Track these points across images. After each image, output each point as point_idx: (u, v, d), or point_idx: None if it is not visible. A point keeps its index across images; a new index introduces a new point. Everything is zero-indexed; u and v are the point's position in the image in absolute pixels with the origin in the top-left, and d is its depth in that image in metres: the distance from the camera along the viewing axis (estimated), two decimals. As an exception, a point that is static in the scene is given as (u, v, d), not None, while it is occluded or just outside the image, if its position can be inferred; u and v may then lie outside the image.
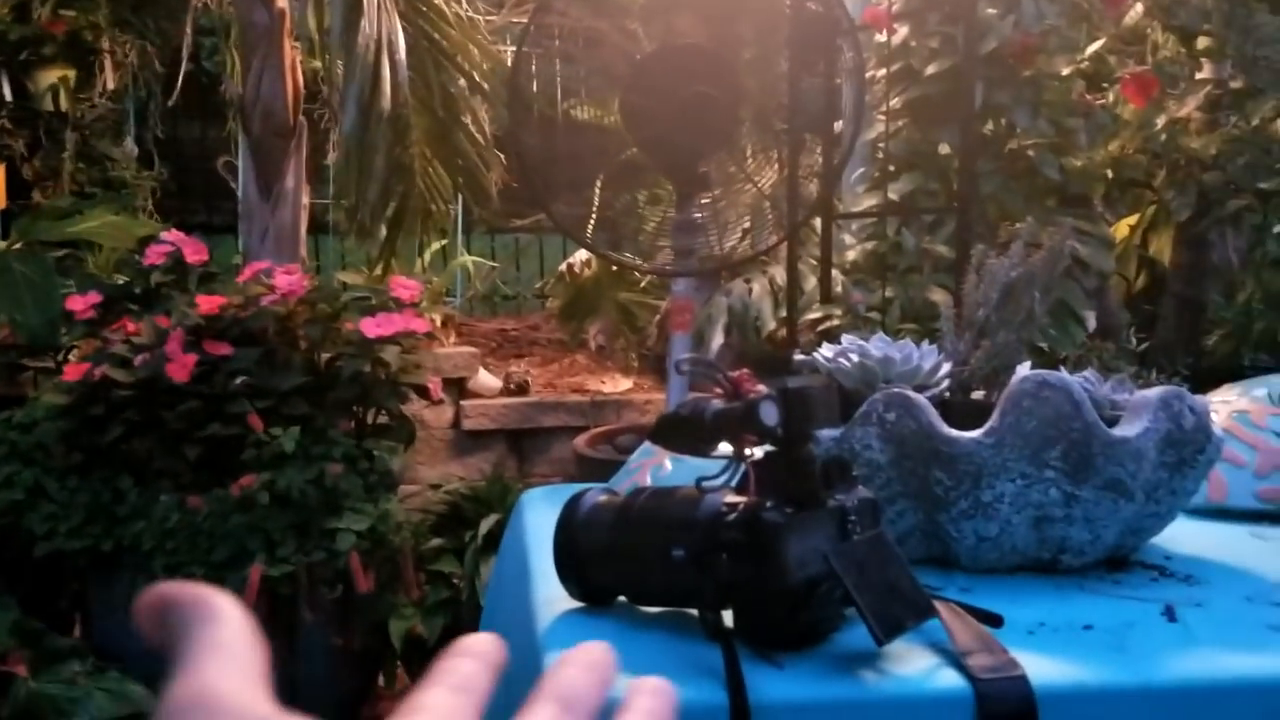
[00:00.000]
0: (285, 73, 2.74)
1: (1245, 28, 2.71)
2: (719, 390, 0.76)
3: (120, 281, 2.79)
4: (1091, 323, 2.93)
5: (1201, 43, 2.99)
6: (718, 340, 2.87)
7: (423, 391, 2.64)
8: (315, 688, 2.42)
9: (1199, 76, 3.02)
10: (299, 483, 2.36)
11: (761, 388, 0.77)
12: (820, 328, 2.70)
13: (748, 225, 2.92)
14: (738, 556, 0.77)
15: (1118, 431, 0.95)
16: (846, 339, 1.10)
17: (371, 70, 2.33)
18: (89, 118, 4.77)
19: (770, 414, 0.73)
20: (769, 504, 0.77)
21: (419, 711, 0.32)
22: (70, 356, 2.73)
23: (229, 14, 3.18)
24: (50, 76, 4.72)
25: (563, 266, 3.88)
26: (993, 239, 2.86)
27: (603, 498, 0.90)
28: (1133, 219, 3.72)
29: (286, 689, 2.08)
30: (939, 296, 2.53)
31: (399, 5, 2.45)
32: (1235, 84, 2.80)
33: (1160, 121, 2.83)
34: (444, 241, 4.18)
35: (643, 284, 3.66)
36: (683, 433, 0.77)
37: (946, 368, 1.08)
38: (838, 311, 2.64)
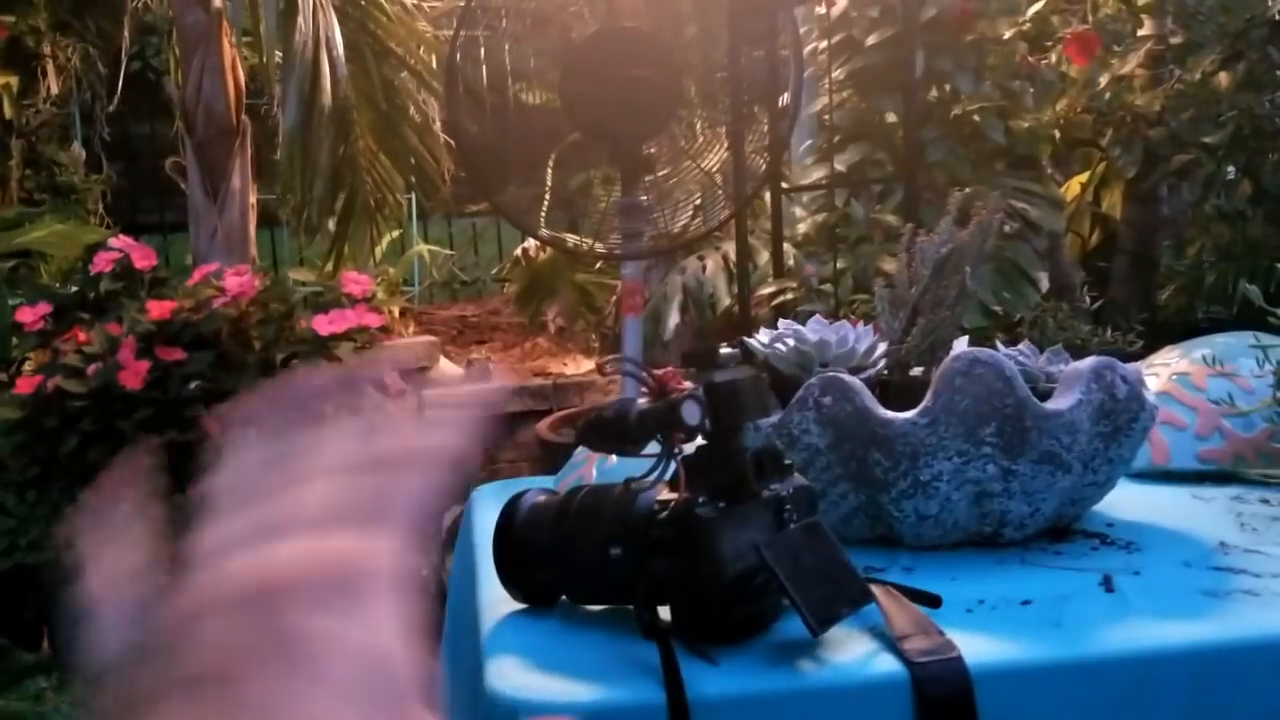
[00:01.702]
0: (225, 72, 2.71)
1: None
2: (644, 389, 0.76)
3: (70, 290, 2.75)
4: (1044, 283, 2.95)
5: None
6: (674, 319, 2.87)
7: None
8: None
9: (1141, 33, 3.03)
10: (260, 486, 2.35)
11: (687, 385, 0.77)
12: (774, 302, 2.70)
13: (699, 202, 2.92)
14: (671, 553, 0.77)
15: (1051, 405, 0.96)
16: (785, 323, 1.10)
17: (310, 67, 2.30)
18: (34, 124, 4.71)
19: (693, 413, 0.73)
20: (701, 499, 0.77)
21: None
22: (23, 369, 2.71)
23: (169, 13, 3.13)
24: (-9, 82, 4.65)
25: (518, 251, 3.87)
26: (943, 205, 2.87)
27: (541, 498, 0.90)
28: (1083, 177, 3.74)
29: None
30: (891, 266, 2.53)
31: (335, 1, 2.41)
32: (1175, 39, 2.81)
33: (1104, 80, 2.84)
34: (398, 231, 4.16)
35: (599, 265, 3.65)
36: (609, 434, 0.77)
37: (882, 348, 1.08)
38: (791, 285, 2.65)
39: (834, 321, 1.17)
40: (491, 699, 0.74)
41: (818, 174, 2.76)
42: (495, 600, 0.91)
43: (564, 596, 0.89)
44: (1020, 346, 1.09)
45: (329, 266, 2.94)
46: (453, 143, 3.09)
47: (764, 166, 2.66)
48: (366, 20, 2.52)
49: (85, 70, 4.71)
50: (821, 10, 2.66)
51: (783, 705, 0.74)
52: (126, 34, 2.90)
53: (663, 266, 3.31)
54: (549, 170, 2.64)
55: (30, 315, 2.60)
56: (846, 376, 0.98)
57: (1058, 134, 3.16)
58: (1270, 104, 2.72)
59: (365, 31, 2.53)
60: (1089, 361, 0.99)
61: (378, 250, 4.22)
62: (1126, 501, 1.13)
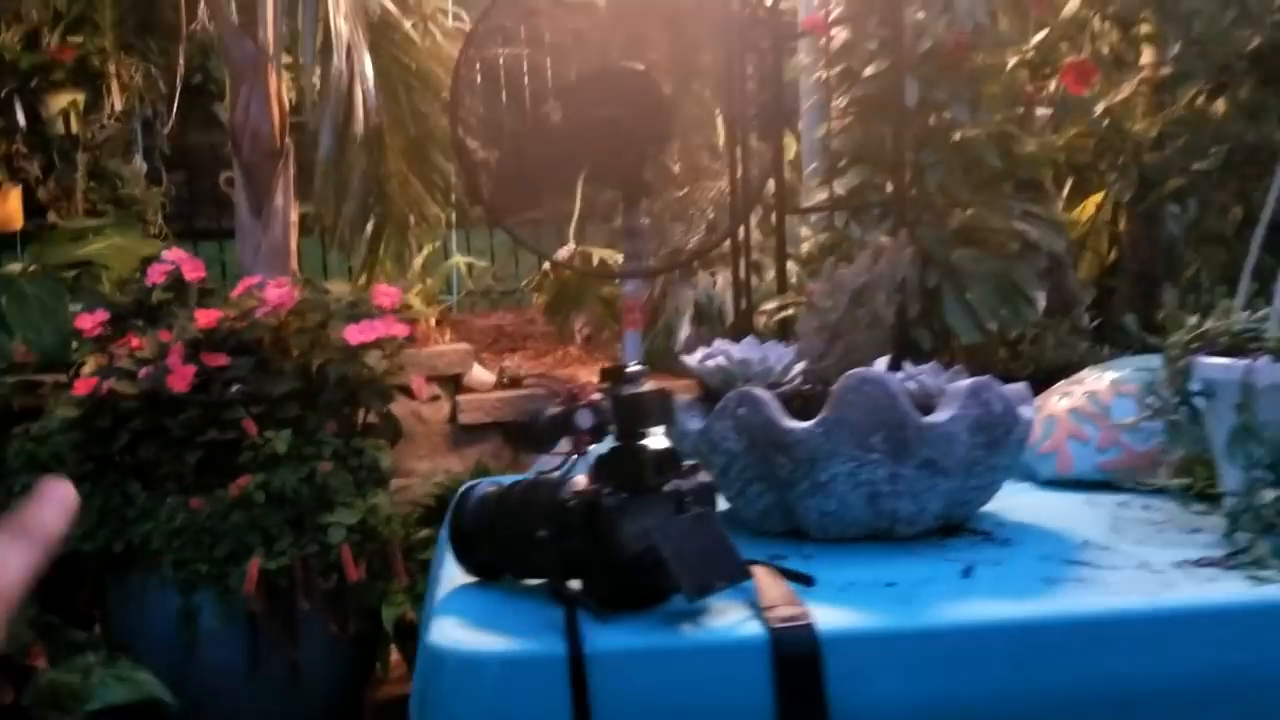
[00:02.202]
0: (271, 99, 2.92)
1: (1175, 14, 2.83)
2: (558, 398, 0.93)
3: (126, 299, 2.98)
4: (1042, 302, 3.07)
5: (1144, 28, 3.11)
6: (685, 331, 3.03)
7: (407, 391, 2.82)
8: (315, 671, 2.60)
9: (1142, 62, 3.15)
10: (292, 481, 2.55)
11: (596, 396, 0.94)
12: (778, 316, 2.86)
13: (712, 218, 3.09)
14: (580, 534, 0.94)
15: (929, 418, 1.11)
16: (718, 343, 1.27)
17: (345, 98, 2.50)
18: (99, 138, 4.98)
19: (585, 418, 0.90)
20: (607, 490, 0.94)
21: None
22: (81, 371, 2.93)
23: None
24: (61, 101, 4.94)
25: (547, 264, 4.06)
26: (942, 226, 3.01)
27: (491, 489, 1.07)
28: (1098, 197, 3.85)
29: (288, 672, 2.30)
30: (885, 285, 2.68)
31: (369, 35, 2.61)
32: (1165, 69, 2.92)
33: (1100, 107, 2.96)
34: (437, 243, 4.37)
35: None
36: (526, 436, 0.94)
37: (800, 366, 1.24)
38: (795, 300, 2.80)
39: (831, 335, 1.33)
40: (428, 648, 0.92)
41: (821, 196, 2.91)
42: (454, 575, 1.08)
43: (508, 574, 1.06)
44: (924, 367, 1.25)
45: (363, 279, 3.14)
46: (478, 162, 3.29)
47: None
48: (399, 53, 2.72)
49: (147, 88, 4.97)
50: (826, 41, 2.82)
51: (662, 658, 0.90)
52: (182, 59, 3.12)
53: (680, 281, 3.48)
54: (579, 187, 2.81)
55: (89, 322, 2.82)
56: (758, 391, 1.14)
57: (1062, 158, 3.27)
58: (1260, 133, 2.83)
59: (397, 63, 2.73)
60: (968, 381, 1.14)
61: (417, 261, 4.44)
62: (1024, 505, 1.28)
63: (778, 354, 1.23)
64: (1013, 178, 3.14)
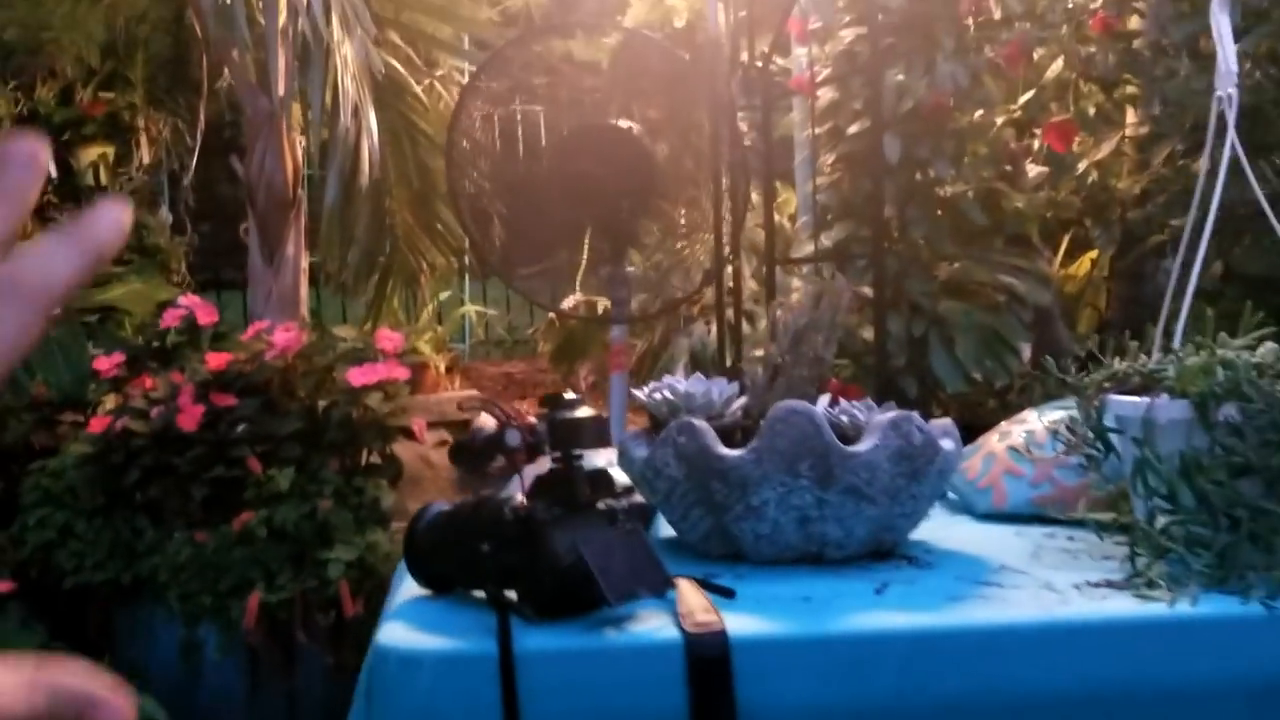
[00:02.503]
0: (284, 152, 3.06)
1: (1153, 77, 2.93)
2: (499, 419, 1.02)
3: (142, 343, 3.11)
4: (1026, 353, 3.14)
5: (1128, 89, 3.21)
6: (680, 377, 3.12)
7: (409, 433, 2.92)
8: (312, 701, 2.69)
9: (1129, 121, 3.25)
10: (294, 518, 2.64)
11: (532, 419, 1.03)
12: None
13: (708, 269, 3.19)
14: (517, 547, 1.03)
15: (852, 447, 1.20)
16: (667, 378, 1.36)
17: (351, 152, 2.63)
18: (127, 190, 5.17)
19: (514, 438, 1.00)
20: (542, 506, 1.03)
21: None
22: (98, 410, 3.05)
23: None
24: (91, 154, 5.14)
25: (551, 314, 4.17)
26: (929, 279, 3.10)
27: (445, 507, 1.17)
28: (1094, 253, 3.93)
29: (286, 703, 2.40)
30: (868, 334, 2.76)
31: (376, 93, 2.75)
32: (1143, 129, 3.02)
33: (1082, 165, 3.06)
34: (448, 292, 4.50)
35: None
36: (465, 455, 1.03)
37: (741, 400, 1.33)
38: (783, 350, 2.88)
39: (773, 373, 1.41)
40: (374, 647, 1.00)
41: (810, 248, 3.01)
42: (409, 587, 1.17)
43: (458, 586, 1.15)
44: (856, 403, 1.33)
45: (368, 325, 3.26)
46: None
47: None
48: (405, 110, 2.86)
49: (174, 142, 5.17)
50: (813, 100, 2.93)
51: (585, 659, 0.98)
52: (203, 114, 3.28)
53: (677, 330, 3.58)
54: (586, 238, 2.92)
55: (106, 364, 2.95)
56: (696, 421, 1.23)
57: (1049, 214, 3.37)
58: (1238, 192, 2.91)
59: (403, 119, 2.86)
60: (890, 414, 1.22)
61: (427, 309, 4.57)
62: (957, 536, 1.36)
63: (721, 389, 1.32)
64: (1001, 233, 3.23)
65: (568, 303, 4.36)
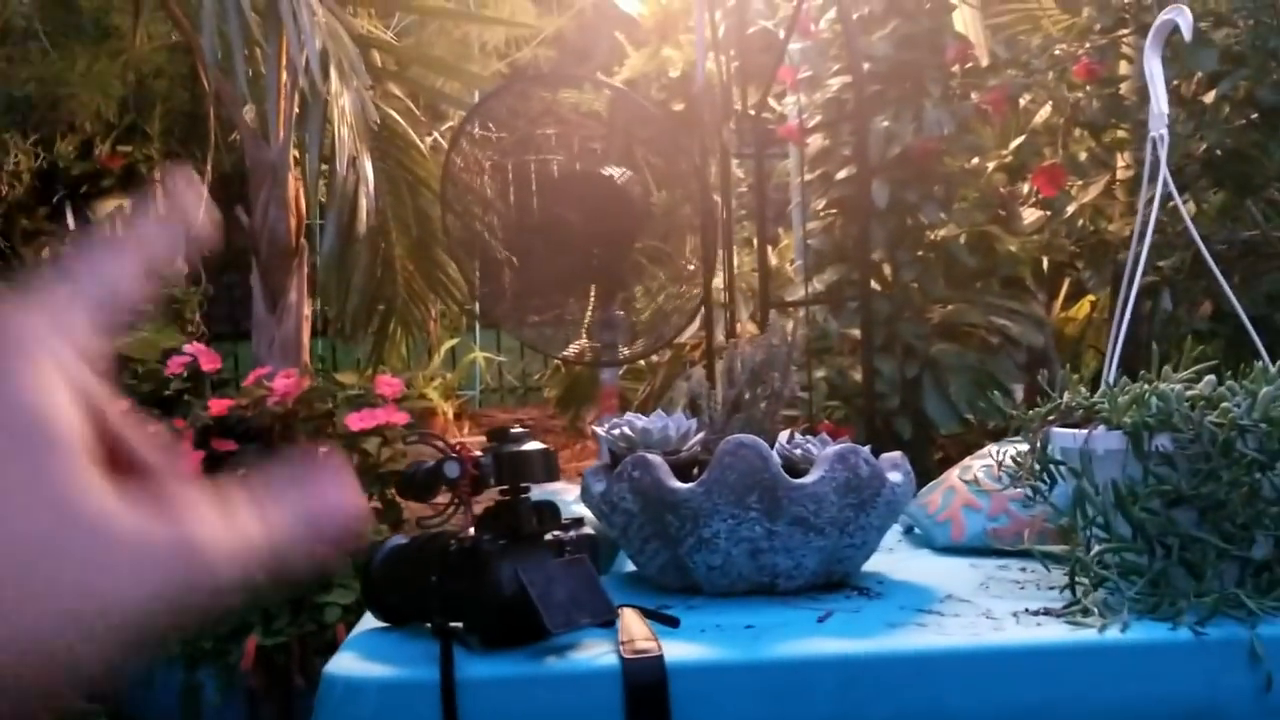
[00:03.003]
0: (288, 202, 3.14)
1: (1140, 121, 2.97)
2: (441, 453, 1.06)
3: (146, 390, 3.17)
4: (1019, 394, 3.16)
5: (1119, 134, 3.25)
6: (675, 422, 3.15)
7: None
8: (308, 745, 2.71)
9: (1119, 165, 3.28)
10: (291, 561, 2.68)
11: (478, 453, 1.07)
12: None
13: (703, 313, 3.23)
14: (462, 577, 1.06)
15: (799, 480, 1.23)
16: (628, 415, 1.39)
17: (350, 201, 2.69)
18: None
19: (453, 470, 1.03)
20: (487, 538, 1.07)
21: None
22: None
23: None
24: (109, 205, 5.25)
25: (557, 359, 4.23)
26: (922, 321, 3.13)
27: (401, 541, 1.20)
28: (1094, 296, 3.95)
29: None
30: (858, 375, 2.79)
31: (375, 143, 2.82)
32: (1130, 172, 3.05)
33: (1071, 208, 3.09)
34: (457, 339, 4.56)
35: (623, 370, 3.96)
36: (409, 487, 1.07)
37: (699, 436, 1.36)
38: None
39: (805, 425, 1.43)
40: (323, 676, 1.04)
41: (803, 291, 3.05)
42: (367, 620, 1.21)
43: (413, 618, 1.18)
44: (811, 438, 1.36)
45: (370, 370, 3.31)
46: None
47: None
48: (403, 158, 2.93)
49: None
50: (803, 147, 2.99)
51: (525, 685, 1.01)
52: (209, 165, 3.37)
53: (678, 374, 3.62)
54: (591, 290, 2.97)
55: (111, 410, 3.00)
56: (650, 455, 1.26)
57: (1044, 258, 3.40)
58: (1229, 232, 2.94)
59: (402, 167, 2.94)
60: (835, 447, 1.25)
61: (436, 357, 4.62)
62: (913, 567, 1.38)
63: (678, 424, 1.36)
64: (994, 275, 3.26)
65: (572, 349, 4.42)
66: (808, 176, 3.01)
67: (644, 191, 2.45)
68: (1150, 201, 1.46)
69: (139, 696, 2.83)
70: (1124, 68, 3.21)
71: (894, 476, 1.28)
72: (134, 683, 2.85)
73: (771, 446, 1.24)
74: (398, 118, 3.06)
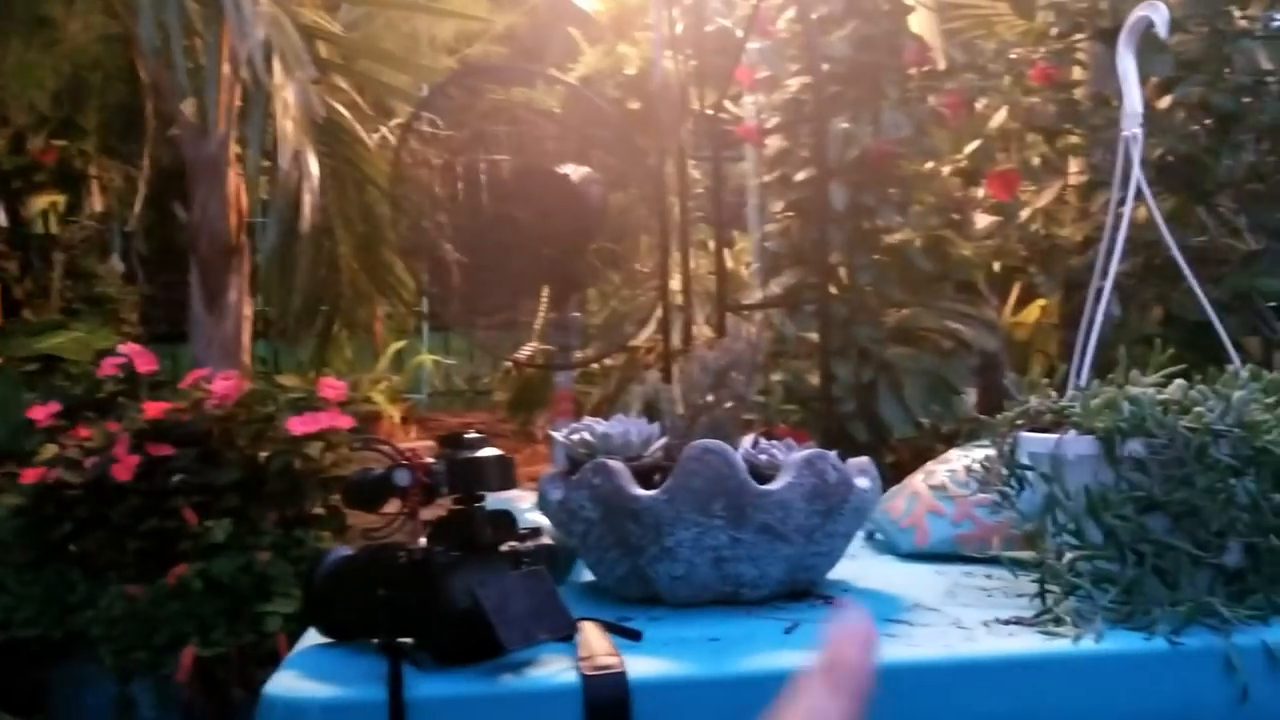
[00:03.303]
0: (229, 198, 3.04)
1: (1093, 126, 2.98)
2: (389, 460, 1.00)
3: (79, 392, 3.06)
4: (973, 398, 3.15)
5: (1071, 139, 3.26)
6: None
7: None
8: (247, 760, 2.62)
9: (1072, 170, 3.29)
10: (230, 570, 2.59)
11: (429, 459, 1.01)
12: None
13: (660, 316, 3.18)
14: (413, 591, 1.00)
15: (766, 486, 1.18)
16: (587, 420, 1.34)
17: (294, 197, 2.61)
18: (77, 238, 5.12)
19: (403, 478, 0.97)
20: (440, 550, 1.01)
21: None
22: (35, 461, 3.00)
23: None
24: (41, 202, 5.09)
25: (509, 362, 4.15)
26: (877, 325, 3.11)
27: (346, 553, 1.14)
28: (1044, 301, 3.96)
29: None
30: (815, 379, 2.76)
31: (320, 137, 2.74)
32: (1085, 177, 3.06)
33: (1025, 213, 3.09)
34: (404, 341, 4.47)
35: (578, 373, 3.90)
36: (356, 496, 1.01)
37: (661, 441, 1.31)
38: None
39: (763, 429, 1.38)
40: (262, 697, 0.97)
41: (760, 294, 3.01)
42: (310, 636, 1.14)
43: (360, 634, 1.12)
44: (776, 443, 1.32)
45: (313, 373, 3.23)
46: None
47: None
48: (349, 154, 2.85)
49: (127, 190, 5.13)
50: (761, 149, 2.96)
51: (480, 705, 0.96)
52: (148, 161, 3.26)
53: (636, 377, 3.57)
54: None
55: (42, 413, 2.89)
56: (611, 461, 1.21)
57: (996, 263, 3.40)
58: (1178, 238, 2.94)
59: (348, 163, 2.86)
60: (803, 452, 1.21)
61: (383, 360, 4.53)
62: (878, 575, 1.34)
63: (640, 430, 1.31)
64: (948, 280, 3.25)
65: (524, 352, 4.35)
66: (765, 178, 2.98)
67: (600, 191, 2.39)
68: (1123, 201, 1.44)
69: (70, 710, 2.73)
70: (1078, 73, 3.22)
71: (861, 482, 1.24)
72: (65, 696, 2.74)
73: (735, 451, 1.20)
74: (344, 112, 2.98)
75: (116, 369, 2.95)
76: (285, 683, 0.99)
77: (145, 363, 2.96)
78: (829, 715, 0.40)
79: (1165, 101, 2.82)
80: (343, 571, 1.10)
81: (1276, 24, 3.02)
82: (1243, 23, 2.81)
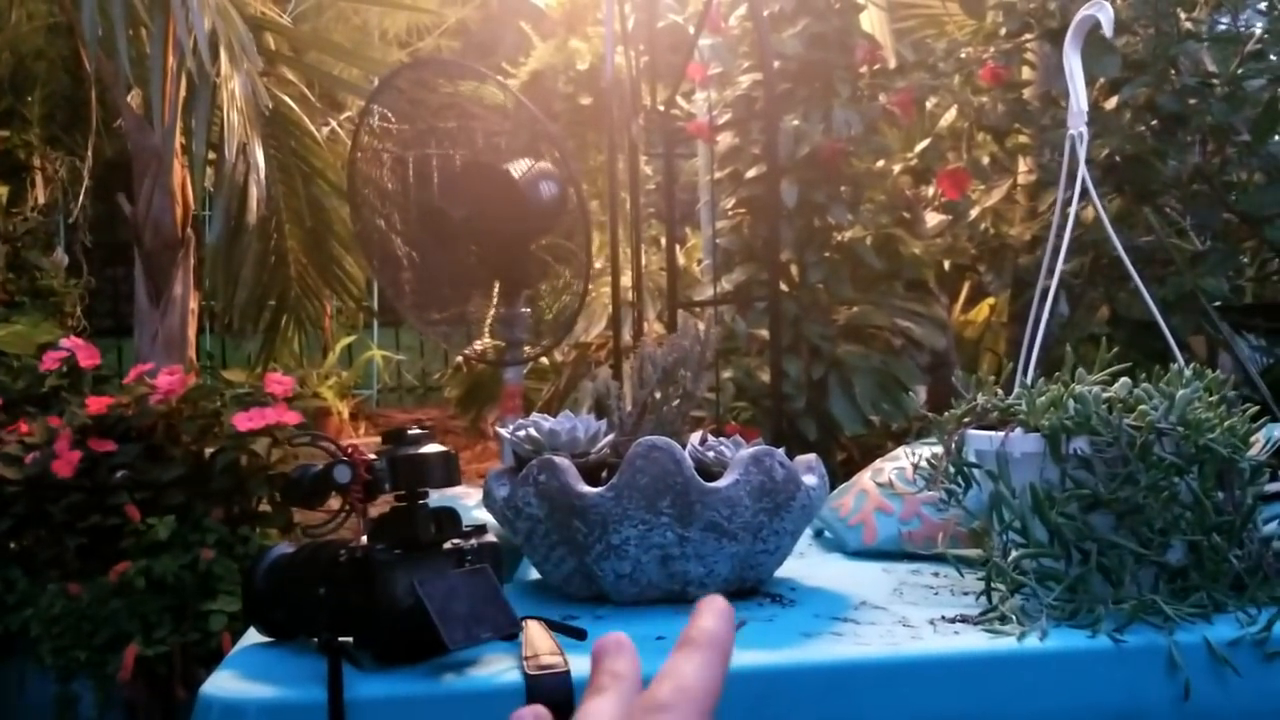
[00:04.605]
0: (174, 190, 2.99)
1: (1042, 126, 3.01)
2: (330, 456, 0.98)
3: (20, 386, 2.99)
4: (923, 395, 3.17)
5: (1021, 139, 3.29)
6: (579, 423, 3.09)
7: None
8: (191, 761, 2.58)
9: (1021, 169, 3.32)
10: (173, 568, 2.55)
11: (371, 456, 1.00)
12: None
13: (611, 312, 3.16)
14: (353, 589, 0.98)
15: (714, 483, 1.18)
16: (534, 416, 1.33)
17: (240, 189, 2.57)
18: (20, 231, 5.01)
19: (343, 474, 0.96)
20: (380, 548, 0.99)
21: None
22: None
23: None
24: (-17, 192, 4.97)
25: (459, 358, 4.12)
26: (828, 322, 3.12)
27: (286, 550, 1.12)
28: (993, 300, 3.99)
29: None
30: (765, 376, 2.76)
31: (268, 129, 2.70)
32: (1031, 176, 3.09)
33: (974, 212, 3.11)
34: (354, 336, 4.43)
35: (528, 369, 3.88)
36: (296, 492, 0.99)
37: (608, 437, 1.30)
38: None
39: (713, 426, 1.37)
40: (199, 698, 0.95)
41: (711, 290, 3.01)
42: (249, 635, 1.12)
43: (300, 633, 1.10)
44: (724, 440, 1.31)
45: (260, 368, 3.18)
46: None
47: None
48: (297, 146, 2.81)
49: (71, 181, 5.04)
50: (717, 146, 2.95)
51: (421, 705, 0.94)
52: (91, 153, 3.19)
53: (583, 375, 3.55)
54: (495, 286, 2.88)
55: (-20, 408, 2.83)
56: (557, 458, 1.20)
57: (946, 262, 3.42)
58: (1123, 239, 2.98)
59: (296, 156, 2.82)
60: (750, 449, 1.21)
61: (332, 355, 4.48)
62: (825, 573, 1.34)
63: (586, 426, 1.30)
64: (899, 278, 3.27)
65: (474, 347, 4.32)
66: (717, 175, 2.97)
67: (551, 188, 2.38)
68: (1069, 200, 1.45)
69: (9, 709, 2.67)
70: (1027, 73, 3.24)
71: (809, 480, 1.24)
72: (4, 695, 2.69)
73: (683, 448, 1.19)
74: (292, 104, 2.94)
75: (59, 363, 2.89)
76: (222, 682, 0.97)
77: (88, 357, 2.91)
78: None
79: (1112, 102, 2.85)
80: (282, 569, 1.08)
81: (1221, 27, 3.06)
82: (1188, 25, 2.84)
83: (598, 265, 3.78)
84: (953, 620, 1.09)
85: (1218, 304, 3.04)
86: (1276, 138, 2.95)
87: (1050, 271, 1.43)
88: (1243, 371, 3.03)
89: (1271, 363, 3.23)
